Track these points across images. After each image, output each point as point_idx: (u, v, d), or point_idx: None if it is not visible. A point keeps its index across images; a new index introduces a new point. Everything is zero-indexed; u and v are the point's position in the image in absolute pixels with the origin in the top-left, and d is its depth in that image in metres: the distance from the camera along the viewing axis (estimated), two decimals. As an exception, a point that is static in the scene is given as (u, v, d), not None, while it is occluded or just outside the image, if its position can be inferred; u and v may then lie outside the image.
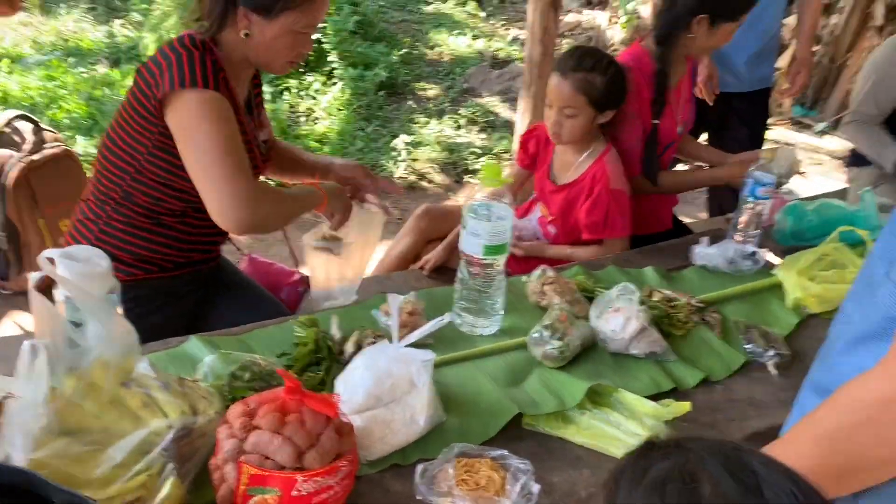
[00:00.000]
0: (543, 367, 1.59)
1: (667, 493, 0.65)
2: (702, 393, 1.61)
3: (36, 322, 1.20)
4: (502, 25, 7.22)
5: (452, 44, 6.46)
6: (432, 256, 2.37)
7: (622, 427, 1.42)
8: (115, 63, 5.10)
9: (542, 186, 2.35)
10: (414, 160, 4.45)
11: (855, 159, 3.10)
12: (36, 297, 1.16)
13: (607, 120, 2.18)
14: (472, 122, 5.12)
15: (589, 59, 2.11)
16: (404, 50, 5.98)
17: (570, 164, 2.23)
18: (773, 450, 0.94)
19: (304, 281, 2.16)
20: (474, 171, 4.48)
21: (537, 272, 1.85)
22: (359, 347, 1.55)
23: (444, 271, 2.41)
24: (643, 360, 1.66)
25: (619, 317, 1.66)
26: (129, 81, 1.78)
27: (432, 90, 5.62)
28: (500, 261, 1.61)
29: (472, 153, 4.61)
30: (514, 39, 6.78)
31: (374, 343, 1.55)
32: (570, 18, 6.94)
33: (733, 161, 2.40)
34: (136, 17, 5.69)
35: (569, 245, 2.28)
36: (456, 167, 4.50)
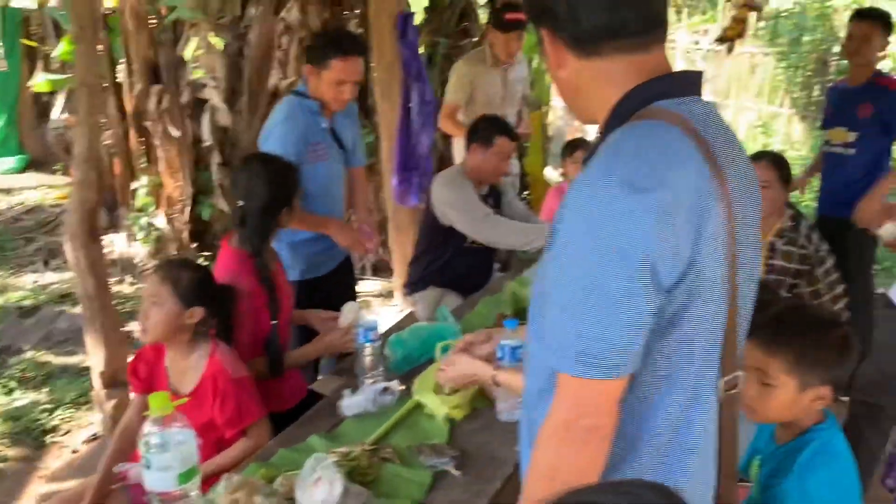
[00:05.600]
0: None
1: None
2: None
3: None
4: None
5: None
6: None
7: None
8: None
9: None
10: (-26, 447, 3.80)
11: (411, 287, 3.66)
12: None
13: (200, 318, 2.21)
14: (24, 380, 4.58)
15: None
16: None
17: (186, 370, 2.22)
18: None
19: None
20: (54, 428, 4.02)
21: (220, 484, 1.80)
22: None
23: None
24: (353, 519, 1.75)
25: (321, 485, 1.73)
26: None
27: (-44, 364, 4.89)
28: (198, 482, 1.57)
29: (44, 410, 4.12)
30: (35, 283, 6.29)
31: None
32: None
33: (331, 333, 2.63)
34: None
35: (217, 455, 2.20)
36: (31, 432, 3.97)
